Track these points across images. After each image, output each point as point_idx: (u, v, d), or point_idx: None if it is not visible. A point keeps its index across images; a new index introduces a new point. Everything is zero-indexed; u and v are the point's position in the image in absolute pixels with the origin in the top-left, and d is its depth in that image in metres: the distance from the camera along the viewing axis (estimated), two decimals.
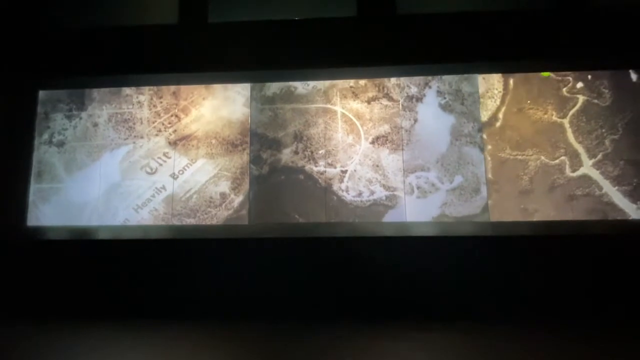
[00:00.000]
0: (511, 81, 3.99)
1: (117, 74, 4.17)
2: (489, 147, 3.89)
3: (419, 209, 3.83)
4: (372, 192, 3.88)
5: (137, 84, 4.23)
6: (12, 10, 4.36)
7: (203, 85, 4.20)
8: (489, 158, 3.88)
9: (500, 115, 3.95)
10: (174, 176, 4.05)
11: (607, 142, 3.84)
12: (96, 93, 4.28)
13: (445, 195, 3.83)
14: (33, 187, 4.13)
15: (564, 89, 3.95)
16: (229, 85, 4.18)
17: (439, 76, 4.04)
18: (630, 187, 3.76)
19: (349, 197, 3.89)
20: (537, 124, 3.91)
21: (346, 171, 3.94)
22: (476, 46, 3.94)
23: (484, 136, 3.91)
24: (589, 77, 3.94)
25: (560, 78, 3.97)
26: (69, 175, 4.14)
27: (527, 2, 4.09)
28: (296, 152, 4.00)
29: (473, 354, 2.58)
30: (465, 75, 4.02)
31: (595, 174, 3.80)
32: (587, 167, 3.81)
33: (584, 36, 3.90)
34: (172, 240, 3.86)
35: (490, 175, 3.85)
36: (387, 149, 3.95)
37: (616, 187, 3.76)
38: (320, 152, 3.99)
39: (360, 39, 4.04)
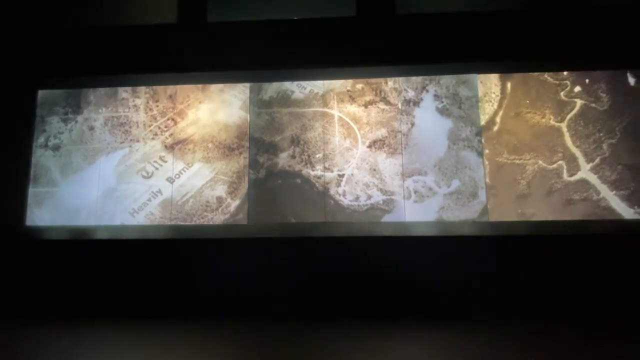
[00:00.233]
0: (509, 85, 3.98)
1: (116, 74, 4.15)
2: (487, 151, 3.88)
3: (416, 213, 3.81)
4: (369, 197, 3.87)
5: (136, 83, 4.22)
6: (11, 10, 4.34)
7: (199, 89, 4.18)
8: (487, 162, 3.86)
9: (498, 119, 3.93)
10: (170, 180, 4.03)
11: (604, 146, 3.83)
12: (92, 96, 4.26)
13: (443, 199, 3.82)
14: (29, 190, 4.11)
15: (562, 93, 3.94)
16: (226, 89, 4.17)
17: (436, 80, 4.03)
18: (627, 191, 3.75)
19: (346, 201, 3.88)
20: (534, 128, 3.90)
21: (343, 175, 3.92)
22: (475, 46, 3.94)
23: (482, 140, 3.89)
24: (587, 81, 3.93)
25: (558, 82, 3.96)
26: (65, 179, 4.12)
27: (526, 2, 4.09)
28: (293, 156, 3.99)
29: (473, 354, 2.57)
30: (463, 79, 4.01)
31: (592, 178, 3.79)
32: (585, 172, 3.81)
33: (583, 36, 3.90)
34: (172, 240, 3.84)
35: (487, 180, 3.83)
36: (385, 153, 3.94)
37: (614, 192, 3.75)
38: (317, 156, 3.97)
39: (360, 39, 4.03)
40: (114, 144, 4.15)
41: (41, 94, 4.29)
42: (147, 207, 3.99)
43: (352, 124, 4.01)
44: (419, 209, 3.82)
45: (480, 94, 3.98)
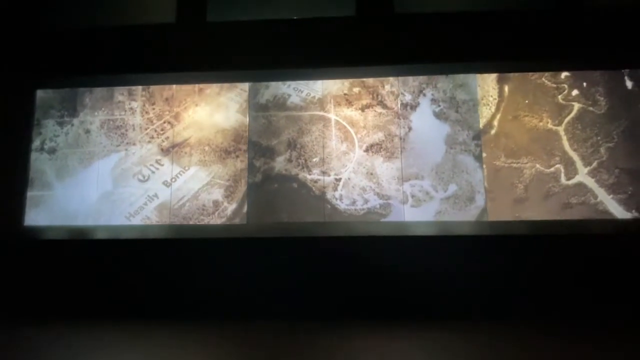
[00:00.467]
0: (506, 88, 3.97)
1: (115, 74, 4.14)
2: (484, 154, 3.86)
3: (413, 218, 3.80)
4: (366, 201, 3.85)
5: (136, 83, 4.20)
6: (10, 10, 4.33)
7: (196, 92, 4.17)
8: (484, 166, 3.85)
9: (496, 123, 3.92)
10: (166, 184, 4.02)
11: (602, 150, 3.82)
12: (88, 99, 4.24)
13: (440, 204, 3.80)
14: (27, 189, 4.09)
15: (559, 97, 3.92)
16: (222, 92, 4.15)
17: (433, 84, 4.01)
18: (625, 195, 3.74)
19: (343, 205, 3.86)
20: (532, 132, 3.89)
21: (340, 179, 3.91)
22: (475, 46, 3.93)
23: (481, 143, 3.88)
24: (584, 84, 3.92)
25: (555, 85, 3.94)
26: (60, 182, 4.10)
27: (526, 2, 4.08)
28: (290, 160, 3.97)
29: (472, 353, 2.57)
30: (460, 82, 3.99)
31: (590, 182, 3.78)
32: (582, 175, 3.79)
33: (583, 36, 3.89)
34: (171, 240, 3.84)
35: (485, 183, 3.82)
36: (382, 157, 3.92)
37: (611, 196, 3.74)
38: (314, 160, 3.96)
39: (359, 38, 4.02)
40: (110, 147, 4.13)
41: (37, 96, 4.27)
42: (143, 210, 3.97)
43: (349, 127, 3.99)
44: (416, 213, 3.81)
45: (478, 97, 3.97)
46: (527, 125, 3.90)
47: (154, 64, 4.11)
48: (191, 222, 3.93)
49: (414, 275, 3.52)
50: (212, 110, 4.12)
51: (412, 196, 3.84)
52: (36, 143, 4.19)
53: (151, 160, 4.07)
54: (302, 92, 4.07)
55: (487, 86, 3.98)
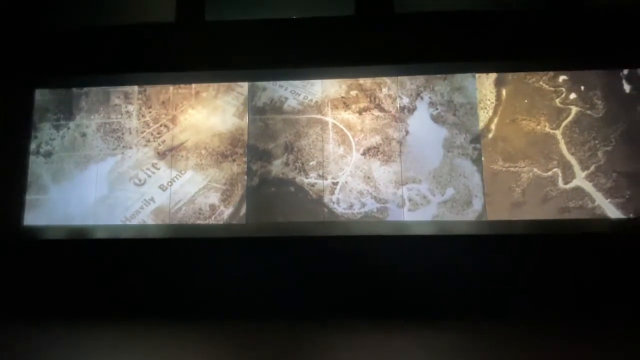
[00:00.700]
0: (504, 91, 3.96)
1: (114, 73, 4.13)
2: (482, 158, 3.85)
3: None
4: (364, 205, 3.84)
5: (135, 82, 4.19)
6: (9, 10, 4.31)
7: (192, 95, 4.15)
8: (483, 169, 3.84)
9: (493, 127, 3.91)
10: (163, 188, 4.00)
11: (600, 153, 3.81)
12: (84, 102, 4.22)
13: (437, 207, 3.79)
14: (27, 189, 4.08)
15: (557, 100, 3.91)
16: (219, 95, 4.13)
17: (430, 87, 3.99)
18: (623, 199, 3.73)
19: (340, 209, 3.85)
20: (529, 135, 3.88)
21: (337, 183, 3.89)
22: (474, 45, 3.92)
23: (480, 146, 3.86)
24: (582, 87, 3.91)
25: (553, 89, 3.93)
26: (56, 186, 4.08)
27: (525, 1, 4.07)
28: (287, 164, 3.96)
29: (473, 352, 2.56)
30: (457, 85, 3.98)
31: (588, 186, 3.77)
32: (580, 179, 3.78)
33: (582, 36, 3.88)
34: (170, 240, 3.83)
35: (484, 187, 3.81)
36: (379, 161, 3.91)
37: (609, 200, 3.73)
38: (311, 163, 3.94)
39: (359, 37, 4.01)
40: (106, 151, 4.11)
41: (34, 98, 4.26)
42: (139, 214, 3.96)
43: (346, 131, 3.98)
44: (413, 217, 3.79)
45: (477, 99, 3.95)
46: (525, 128, 3.89)
47: (154, 64, 4.10)
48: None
49: (413, 275, 3.51)
50: (209, 113, 4.11)
51: (410, 200, 3.82)
52: (32, 146, 4.17)
53: (147, 164, 4.05)
54: (299, 95, 4.06)
55: (484, 89, 3.97)
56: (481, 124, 3.91)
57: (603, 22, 3.89)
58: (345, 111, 4.01)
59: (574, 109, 3.89)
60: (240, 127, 4.06)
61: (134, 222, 3.95)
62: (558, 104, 3.91)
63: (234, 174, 3.98)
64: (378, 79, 4.03)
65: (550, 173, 3.80)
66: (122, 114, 4.17)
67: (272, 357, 2.52)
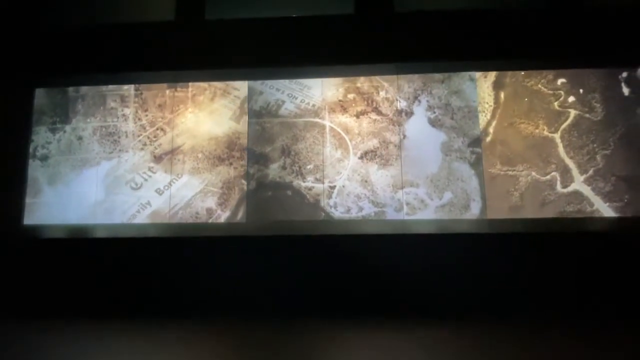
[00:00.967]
0: (502, 95, 3.93)
1: (113, 72, 4.11)
2: (482, 161, 3.83)
3: None
4: (361, 209, 3.82)
5: (134, 81, 4.17)
6: (8, 9, 4.29)
7: (189, 98, 4.13)
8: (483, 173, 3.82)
9: (491, 130, 3.89)
10: (159, 191, 3.98)
11: (598, 157, 3.78)
12: (80, 106, 4.20)
13: (435, 211, 3.77)
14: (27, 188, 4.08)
15: (556, 103, 3.89)
16: (216, 98, 4.11)
17: (428, 90, 3.97)
18: (621, 203, 3.71)
19: (337, 213, 3.83)
20: (528, 139, 3.85)
21: (335, 187, 3.88)
22: (474, 44, 3.91)
23: (479, 150, 3.84)
24: (581, 90, 3.89)
25: (552, 92, 3.91)
26: (53, 189, 4.06)
27: (526, 1, 4.05)
28: (284, 167, 3.94)
29: (472, 352, 2.55)
30: (455, 89, 3.96)
31: (586, 190, 3.75)
32: (579, 183, 3.76)
33: (583, 35, 3.86)
34: (171, 239, 3.83)
35: (484, 190, 3.79)
36: (376, 164, 3.89)
37: (607, 204, 3.71)
38: (308, 167, 3.92)
39: (359, 36, 4.00)
40: (103, 154, 4.09)
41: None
42: (135, 218, 3.94)
43: (343, 134, 3.96)
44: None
45: (477, 102, 3.93)
46: (523, 132, 3.87)
47: (154, 63, 4.09)
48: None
49: (413, 274, 3.50)
50: (205, 117, 4.09)
51: (407, 204, 3.80)
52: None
53: (144, 167, 4.03)
54: (296, 98, 4.04)
55: (482, 93, 3.95)
56: (480, 128, 3.89)
57: (603, 22, 3.87)
58: (342, 114, 3.99)
59: (573, 112, 3.86)
60: (237, 131, 4.04)
61: None
62: (556, 107, 3.88)
63: (230, 178, 3.97)
64: (375, 82, 4.01)
65: (548, 177, 3.78)
66: (118, 117, 4.15)
67: (272, 356, 2.52)
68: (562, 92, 3.90)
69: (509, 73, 3.95)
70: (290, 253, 3.67)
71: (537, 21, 3.93)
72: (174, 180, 3.99)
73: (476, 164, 3.84)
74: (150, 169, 4.03)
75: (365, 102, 3.99)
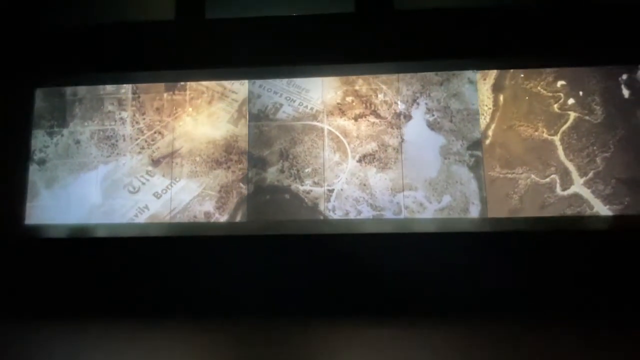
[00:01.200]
0: (501, 97, 3.91)
1: (114, 71, 4.10)
2: (482, 164, 3.80)
3: None
4: (360, 212, 3.81)
5: (135, 81, 4.16)
6: (8, 9, 4.28)
7: (187, 101, 4.11)
8: (483, 176, 3.79)
9: (490, 133, 3.87)
10: (157, 195, 3.97)
11: (598, 159, 3.76)
12: (78, 109, 4.18)
13: (433, 215, 3.75)
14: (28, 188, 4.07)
15: (555, 105, 3.86)
16: (214, 102, 4.10)
17: (427, 93, 3.95)
18: (621, 206, 3.69)
19: (335, 217, 3.81)
20: (527, 142, 3.83)
21: (333, 190, 3.86)
22: (475, 42, 3.89)
23: (479, 153, 3.82)
24: (581, 93, 3.86)
25: (551, 94, 3.88)
26: (50, 193, 4.05)
27: None
28: (282, 171, 3.92)
29: (472, 351, 2.54)
30: (454, 92, 3.94)
31: (586, 193, 3.73)
32: (578, 186, 3.74)
33: (586, 33, 3.84)
34: (172, 238, 3.82)
35: (485, 193, 3.77)
36: (375, 168, 3.87)
37: (607, 206, 3.69)
38: (306, 170, 3.90)
39: (359, 35, 3.99)
40: (100, 158, 4.08)
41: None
42: (133, 222, 3.92)
43: (341, 137, 3.94)
44: None
45: (478, 105, 3.90)
46: (522, 134, 3.84)
47: (154, 62, 4.08)
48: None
49: (414, 273, 3.50)
50: (203, 120, 4.07)
51: (406, 207, 3.79)
52: None
53: (141, 171, 4.02)
54: (294, 101, 4.02)
55: (482, 95, 3.92)
56: (479, 130, 3.87)
57: (605, 19, 3.84)
58: (341, 117, 3.97)
59: (573, 115, 3.84)
60: (235, 134, 4.02)
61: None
62: (556, 110, 3.86)
63: (229, 182, 3.95)
64: (374, 85, 3.99)
65: (548, 179, 3.76)
66: (115, 121, 4.14)
67: (272, 355, 2.51)
68: (561, 95, 3.87)
69: (508, 75, 3.93)
70: (290, 253, 3.67)
71: (539, 19, 3.90)
72: (172, 184, 3.97)
73: (475, 167, 3.81)
74: (148, 172, 4.01)
75: (364, 105, 3.97)
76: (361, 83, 4.01)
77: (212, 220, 3.89)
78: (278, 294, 3.54)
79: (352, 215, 3.80)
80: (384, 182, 3.83)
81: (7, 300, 3.67)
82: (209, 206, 3.92)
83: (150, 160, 4.04)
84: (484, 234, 3.67)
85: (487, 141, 3.85)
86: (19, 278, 3.75)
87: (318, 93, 4.02)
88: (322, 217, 3.82)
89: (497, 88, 3.92)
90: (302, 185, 3.88)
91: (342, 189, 3.85)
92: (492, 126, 3.87)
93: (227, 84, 4.11)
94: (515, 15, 3.92)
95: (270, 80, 4.08)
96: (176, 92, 4.14)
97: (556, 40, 3.85)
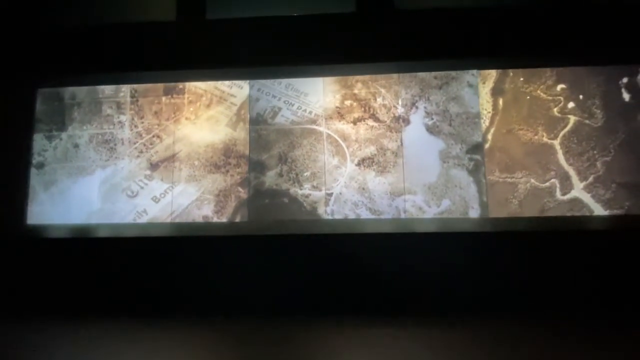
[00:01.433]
0: (500, 101, 3.89)
1: (113, 72, 4.10)
2: (483, 168, 3.78)
3: None
4: (358, 216, 3.79)
5: (135, 81, 4.16)
6: (8, 9, 4.28)
7: (185, 105, 4.10)
8: (483, 180, 3.77)
9: (489, 137, 3.85)
10: (155, 199, 3.96)
11: (598, 164, 3.74)
12: (76, 113, 4.18)
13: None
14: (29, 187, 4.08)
15: (555, 109, 3.84)
16: (212, 105, 4.09)
17: (426, 96, 3.93)
18: (622, 210, 3.66)
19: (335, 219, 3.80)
20: (527, 146, 3.81)
21: (332, 194, 3.85)
22: (477, 42, 3.87)
23: (478, 157, 3.80)
24: (581, 96, 3.84)
25: (551, 98, 3.86)
26: (49, 197, 4.05)
27: None
28: (280, 175, 3.91)
29: (472, 351, 2.54)
30: (453, 95, 3.92)
31: (586, 197, 3.71)
32: (578, 190, 3.72)
33: (586, 32, 3.81)
34: (174, 238, 3.83)
35: (484, 198, 3.75)
36: (374, 172, 3.85)
37: (608, 211, 3.67)
38: (305, 174, 3.89)
39: (360, 35, 3.97)
40: (99, 162, 4.07)
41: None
42: (134, 223, 3.92)
43: (340, 141, 3.92)
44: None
45: (473, 110, 3.88)
46: (522, 138, 3.82)
47: (154, 62, 4.07)
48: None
49: (415, 273, 3.49)
50: (202, 124, 4.06)
51: (405, 211, 3.77)
52: None
53: (140, 175, 4.01)
54: (292, 105, 4.01)
55: (481, 99, 3.91)
56: (478, 134, 3.85)
57: (607, 18, 3.82)
58: (339, 121, 3.96)
59: (573, 119, 3.82)
60: (234, 138, 4.02)
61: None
62: (556, 113, 3.84)
63: (227, 186, 3.94)
64: (373, 89, 3.98)
65: (547, 184, 3.74)
66: (114, 125, 4.13)
67: (273, 355, 2.51)
68: (561, 98, 3.85)
69: (508, 79, 3.91)
70: (290, 253, 3.66)
71: (540, 18, 3.88)
72: (171, 188, 3.97)
73: (474, 170, 3.80)
74: (146, 176, 4.01)
75: (362, 109, 3.95)
76: (360, 87, 4.00)
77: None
78: (278, 294, 3.53)
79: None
80: (382, 186, 3.82)
81: (8, 300, 3.67)
82: (207, 210, 3.91)
83: (148, 164, 4.03)
84: (484, 234, 3.66)
85: (487, 145, 3.83)
86: (19, 278, 3.75)
87: (317, 97, 4.01)
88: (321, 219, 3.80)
89: (496, 91, 3.91)
90: (300, 189, 3.87)
91: (340, 193, 3.84)
92: (492, 130, 3.85)
93: (225, 87, 4.10)
94: (515, 15, 3.90)
95: (268, 84, 4.07)
96: (174, 95, 4.13)
97: (556, 40, 3.83)
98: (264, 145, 3.97)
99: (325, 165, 3.90)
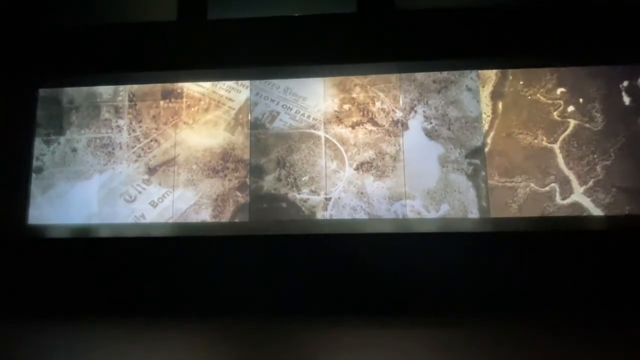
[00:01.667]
0: (500, 105, 3.87)
1: (114, 72, 4.10)
2: (483, 173, 3.76)
3: None
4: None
5: (135, 82, 4.15)
6: (9, 9, 4.28)
7: (183, 109, 4.09)
8: (482, 185, 3.75)
9: (489, 141, 3.83)
10: (153, 204, 3.95)
11: (598, 168, 3.72)
12: (74, 117, 4.17)
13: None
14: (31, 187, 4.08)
15: (555, 113, 3.82)
16: (210, 109, 4.08)
17: (424, 101, 3.92)
18: (622, 215, 3.64)
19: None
20: (526, 150, 3.79)
21: (330, 198, 3.83)
22: (477, 42, 3.87)
23: (477, 162, 3.78)
24: (581, 100, 3.82)
25: (551, 101, 3.84)
26: (47, 201, 4.04)
27: None
28: (279, 179, 3.89)
29: (474, 350, 2.52)
30: (452, 99, 3.90)
31: (586, 202, 3.68)
32: (578, 195, 3.70)
33: (586, 32, 3.81)
34: (174, 238, 3.82)
35: (484, 202, 3.73)
36: (372, 176, 3.84)
37: (607, 216, 3.64)
38: (303, 178, 3.88)
39: (361, 35, 3.97)
40: (97, 166, 4.07)
41: None
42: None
43: (339, 145, 3.91)
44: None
45: (472, 114, 3.86)
46: (522, 142, 3.80)
47: (155, 62, 4.07)
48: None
49: (415, 273, 3.49)
50: (200, 128, 4.05)
51: (403, 216, 3.75)
52: None
53: (138, 179, 4.00)
54: (291, 109, 3.99)
55: (480, 102, 3.88)
56: (477, 138, 3.83)
57: (607, 18, 3.81)
58: (338, 125, 3.94)
59: (572, 122, 3.80)
60: (232, 142, 4.00)
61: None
62: (556, 117, 3.82)
63: (225, 190, 3.93)
64: (371, 93, 3.96)
65: (547, 188, 3.72)
66: (112, 129, 4.12)
67: (273, 355, 2.50)
68: (561, 102, 3.83)
69: (507, 82, 3.89)
70: (290, 253, 3.66)
71: (538, 19, 3.87)
72: (168, 193, 3.96)
73: (473, 175, 3.78)
74: (144, 181, 4.00)
75: (361, 113, 3.94)
76: (359, 91, 3.98)
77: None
78: (278, 294, 3.53)
79: None
80: (381, 191, 3.80)
81: (9, 300, 3.67)
82: (205, 215, 3.90)
83: (146, 168, 4.02)
84: (484, 234, 3.64)
85: (486, 149, 3.81)
86: (20, 278, 3.75)
87: (315, 101, 3.99)
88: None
89: (496, 95, 3.89)
90: (299, 194, 3.85)
91: (339, 197, 3.83)
92: (491, 134, 3.83)
93: (223, 92, 4.09)
94: (515, 15, 3.89)
95: (267, 89, 4.06)
96: (172, 99, 4.12)
97: (556, 40, 3.82)
98: (262, 149, 3.96)
99: (323, 169, 3.88)
